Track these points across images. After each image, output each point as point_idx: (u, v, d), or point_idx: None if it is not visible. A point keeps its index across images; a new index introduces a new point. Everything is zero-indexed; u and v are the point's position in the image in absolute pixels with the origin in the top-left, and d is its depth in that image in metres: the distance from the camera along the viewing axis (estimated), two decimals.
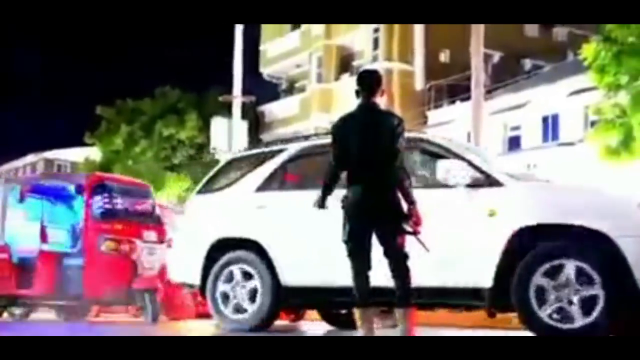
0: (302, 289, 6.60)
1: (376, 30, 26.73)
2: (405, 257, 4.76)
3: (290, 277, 6.57)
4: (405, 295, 4.72)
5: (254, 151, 7.48)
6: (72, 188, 10.14)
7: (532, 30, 28.13)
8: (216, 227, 7.01)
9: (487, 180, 5.91)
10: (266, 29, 31.97)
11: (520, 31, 27.34)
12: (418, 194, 4.87)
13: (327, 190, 5.03)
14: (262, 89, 30.76)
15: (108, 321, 11.78)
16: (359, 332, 4.77)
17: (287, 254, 6.58)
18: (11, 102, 67.53)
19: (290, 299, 6.74)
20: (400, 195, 4.75)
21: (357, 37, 27.40)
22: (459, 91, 23.35)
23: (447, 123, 22.85)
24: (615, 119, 12.40)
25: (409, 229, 4.73)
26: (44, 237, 10.17)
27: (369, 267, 4.81)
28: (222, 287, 6.85)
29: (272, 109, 31.78)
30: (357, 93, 4.96)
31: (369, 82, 4.95)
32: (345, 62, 29.20)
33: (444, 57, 26.92)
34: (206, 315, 12.11)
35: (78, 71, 71.85)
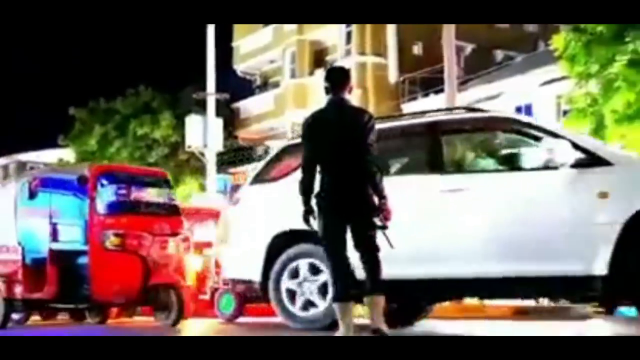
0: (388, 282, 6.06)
1: (348, 25, 26.76)
2: (377, 249, 4.88)
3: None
4: (375, 284, 4.85)
5: None
6: (71, 180, 9.37)
7: None
8: (278, 219, 6.42)
9: (594, 160, 5.45)
10: (238, 25, 31.83)
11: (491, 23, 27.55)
12: (515, 177, 4.87)
13: (308, 196, 4.97)
14: (236, 86, 30.63)
15: (120, 323, 11.64)
16: (339, 326, 4.82)
17: None
18: None
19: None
20: (371, 189, 4.82)
21: (330, 31, 27.39)
22: (432, 83, 23.48)
23: None
24: (587, 108, 12.53)
25: (379, 222, 4.83)
26: (54, 235, 9.60)
27: (346, 261, 4.87)
28: (287, 283, 6.35)
29: (247, 106, 31.68)
30: (327, 90, 5.04)
31: (337, 79, 5.05)
32: (318, 57, 29.19)
33: (416, 49, 27.03)
34: (203, 314, 12.17)
35: (49, 71, 70.93)
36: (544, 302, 10.33)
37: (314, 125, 4.99)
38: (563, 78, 14.37)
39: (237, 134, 31.04)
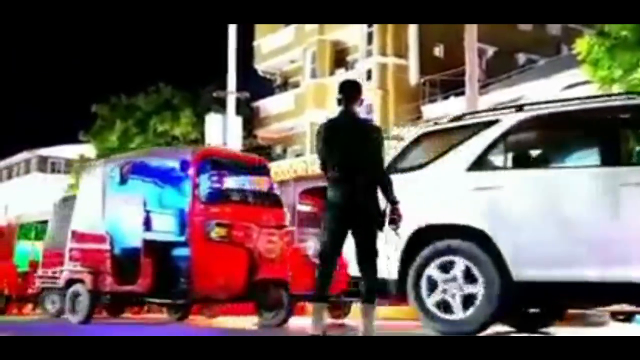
0: (540, 285, 5.34)
1: (370, 25, 26.72)
2: (376, 258, 5.10)
3: (525, 270, 5.31)
4: (370, 294, 5.09)
5: (450, 125, 6.19)
6: (176, 165, 8.59)
7: (525, 24, 28.16)
8: (417, 213, 5.71)
9: None
10: (260, 24, 31.89)
11: (514, 26, 27.35)
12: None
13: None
14: (256, 85, 30.72)
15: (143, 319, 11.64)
16: (311, 325, 5.07)
17: (521, 243, 5.34)
18: (6, 99, 67.27)
19: (525, 296, 5.49)
20: (384, 197, 5.09)
21: (351, 32, 27.36)
22: (453, 86, 23.36)
23: (442, 118, 22.83)
24: None
25: (393, 228, 5.08)
26: (147, 224, 8.81)
27: (335, 267, 5.15)
28: (428, 282, 5.65)
29: (267, 105, 31.73)
30: (339, 101, 5.26)
31: (350, 91, 5.29)
32: (339, 58, 29.17)
33: (438, 51, 26.92)
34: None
35: (73, 68, 71.62)
36: None
37: (328, 133, 5.20)
38: (586, 82, 14.23)
39: (257, 133, 31.11)
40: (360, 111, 5.34)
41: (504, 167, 5.69)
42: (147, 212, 8.90)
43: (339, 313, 10.98)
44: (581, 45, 12.44)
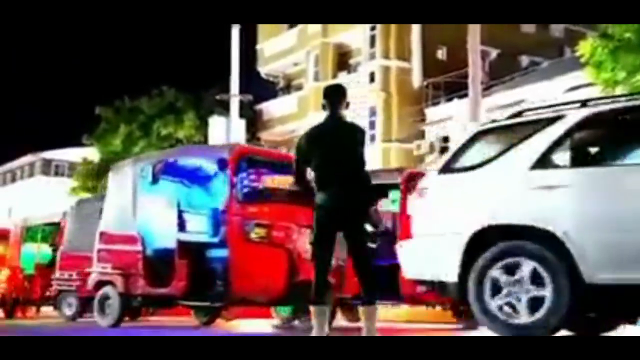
0: (614, 287, 5.10)
1: (373, 28, 26.73)
2: (370, 259, 5.13)
3: (598, 272, 5.05)
4: (371, 295, 5.10)
5: (509, 122, 5.94)
6: (212, 164, 8.34)
7: (528, 26, 28.14)
8: (478, 214, 5.49)
9: None
10: (263, 27, 31.94)
11: (517, 28, 27.35)
12: None
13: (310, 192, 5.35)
14: (259, 88, 30.75)
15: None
16: (313, 328, 5.08)
17: (593, 244, 5.08)
18: (9, 102, 67.42)
19: (597, 299, 5.20)
20: (365, 199, 5.15)
21: (354, 35, 27.38)
22: (456, 88, 23.36)
23: (445, 120, 22.86)
24: None
25: (371, 229, 5.12)
26: (182, 225, 8.54)
27: (329, 268, 5.18)
28: (491, 284, 5.37)
29: (270, 108, 31.75)
30: (324, 106, 5.33)
31: (334, 96, 5.33)
32: (342, 60, 29.19)
33: (441, 54, 26.92)
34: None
35: (75, 70, 71.74)
36: None
37: (311, 138, 5.28)
38: (589, 85, 14.22)
39: (260, 135, 31.13)
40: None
41: (570, 165, 5.41)
42: (181, 212, 8.66)
43: (354, 316, 10.92)
44: (584, 48, 12.44)
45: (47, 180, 44.05)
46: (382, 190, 9.28)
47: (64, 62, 70.61)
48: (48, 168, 46.70)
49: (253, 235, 7.70)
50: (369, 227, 5.11)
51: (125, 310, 8.88)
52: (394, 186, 9.37)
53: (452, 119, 22.42)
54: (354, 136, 5.21)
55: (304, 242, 7.58)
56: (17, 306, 14.05)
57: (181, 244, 8.33)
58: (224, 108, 21.90)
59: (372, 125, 26.00)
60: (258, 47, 32.66)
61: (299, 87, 31.15)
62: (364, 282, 5.11)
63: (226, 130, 20.28)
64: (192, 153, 9.95)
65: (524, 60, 28.07)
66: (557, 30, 28.71)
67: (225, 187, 7.98)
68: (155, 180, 8.75)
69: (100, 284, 8.96)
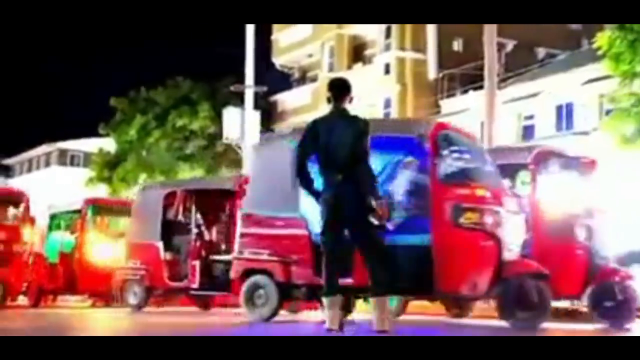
0: None
1: None
2: (378, 251, 5.15)
3: None
4: (379, 285, 5.11)
5: None
6: (405, 140, 7.36)
7: None
8: None
9: None
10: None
11: None
12: None
13: (311, 189, 5.33)
14: (274, 79, 30.77)
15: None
16: (326, 319, 5.11)
17: None
18: (26, 93, 67.95)
19: None
20: (368, 191, 5.12)
21: (369, 26, 27.29)
22: (472, 80, 23.24)
23: (460, 112, 22.76)
24: (631, 108, 12.29)
25: (376, 222, 5.07)
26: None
27: (340, 259, 5.24)
28: None
29: (284, 99, 31.78)
30: (328, 99, 5.35)
31: (339, 90, 5.36)
32: (357, 52, 29.14)
33: (457, 45, 26.79)
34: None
35: (92, 62, 72.13)
36: (565, 304, 10.15)
37: (315, 130, 5.29)
38: (606, 77, 14.09)
39: (274, 127, 31.17)
40: (350, 109, 5.39)
41: None
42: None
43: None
44: (602, 39, 12.30)
45: (64, 170, 44.36)
46: (509, 171, 8.24)
47: (80, 54, 71.02)
48: (64, 158, 47.03)
49: (463, 221, 6.72)
50: (374, 220, 5.09)
51: (283, 302, 7.85)
52: (522, 166, 8.38)
53: (468, 111, 22.29)
54: (358, 129, 5.22)
55: (510, 229, 6.90)
56: (43, 295, 14.04)
57: None
58: (239, 99, 21.91)
59: (387, 116, 25.94)
60: (273, 38, 32.67)
61: (314, 79, 31.12)
62: (371, 274, 5.13)
63: (241, 121, 20.30)
64: (377, 129, 8.77)
65: (541, 52, 27.87)
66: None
67: (419, 167, 7.11)
68: None
69: (248, 273, 7.89)
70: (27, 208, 12.45)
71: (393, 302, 8.94)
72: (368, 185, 5.15)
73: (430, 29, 26.47)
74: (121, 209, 15.21)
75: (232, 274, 8.20)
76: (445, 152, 6.95)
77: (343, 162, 5.14)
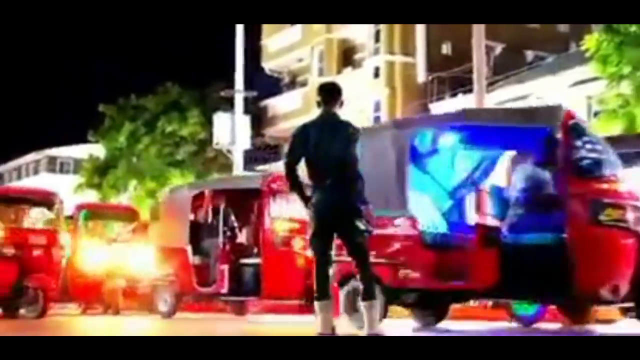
0: None
1: (377, 24, 26.70)
2: (367, 254, 5.19)
3: None
4: (368, 290, 5.15)
5: None
6: (523, 131, 6.64)
7: None
8: None
9: None
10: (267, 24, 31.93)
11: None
12: None
13: (302, 193, 5.30)
14: (264, 84, 30.73)
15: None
16: (317, 323, 5.13)
17: None
18: (14, 100, 67.59)
19: None
20: (357, 196, 5.12)
21: (359, 30, 27.33)
22: (461, 83, 23.30)
23: None
24: (619, 109, 12.38)
25: (362, 227, 5.11)
26: (481, 205, 7.07)
27: (330, 263, 5.24)
28: None
29: (275, 104, 31.74)
30: (318, 103, 5.33)
31: (328, 94, 5.34)
32: (347, 56, 29.16)
33: (445, 49, 26.86)
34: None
35: (80, 68, 71.88)
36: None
37: (304, 135, 5.27)
38: (594, 79, 14.18)
39: (265, 132, 31.12)
40: (340, 113, 5.37)
41: None
42: (479, 190, 7.20)
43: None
44: (590, 42, 12.39)
45: (53, 177, 44.15)
46: (629, 160, 7.42)
47: (68, 59, 70.79)
48: (53, 165, 46.80)
49: (603, 218, 6.06)
50: (361, 225, 5.12)
51: (388, 307, 7.09)
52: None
53: None
54: (347, 134, 5.21)
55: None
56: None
57: (480, 228, 6.75)
58: (229, 104, 21.89)
59: (376, 120, 25.97)
60: (262, 42, 32.64)
61: (304, 83, 31.12)
62: (361, 278, 5.18)
63: (231, 126, 20.28)
64: (500, 117, 7.48)
65: (529, 54, 27.97)
66: (562, 24, 28.60)
67: (540, 159, 6.57)
68: (433, 150, 7.10)
69: (348, 277, 7.00)
70: (60, 210, 11.62)
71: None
72: (357, 190, 5.16)
73: (419, 33, 26.54)
74: (114, 213, 15.13)
75: (332, 279, 7.26)
76: (578, 143, 6.26)
77: (332, 167, 5.14)
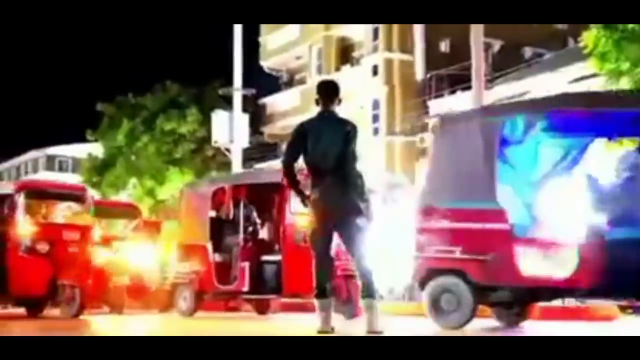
0: None
1: None
2: (366, 251, 5.20)
3: None
4: (368, 288, 5.17)
5: None
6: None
7: None
8: None
9: None
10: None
11: None
12: None
13: (299, 191, 5.36)
14: (263, 82, 30.76)
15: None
16: (317, 320, 5.19)
17: None
18: (12, 99, 67.57)
19: None
20: (356, 194, 5.17)
21: (357, 28, 27.34)
22: (459, 81, 23.31)
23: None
24: None
25: (362, 224, 5.15)
26: (577, 197, 6.56)
27: (330, 261, 5.31)
28: None
29: (273, 102, 31.75)
30: (317, 101, 5.39)
31: (327, 92, 5.40)
32: (345, 53, 29.16)
33: (444, 46, 26.87)
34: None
35: (78, 66, 71.85)
36: (570, 302, 10.19)
37: (303, 133, 5.31)
38: (593, 76, 14.18)
39: (263, 130, 31.13)
40: (338, 111, 5.44)
41: None
42: (572, 181, 6.73)
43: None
44: (588, 38, 12.37)
45: (52, 176, 44.16)
46: None
47: (66, 57, 70.73)
48: (52, 164, 46.82)
49: None
50: (361, 222, 5.14)
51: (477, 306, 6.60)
52: None
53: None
54: (346, 131, 5.22)
55: None
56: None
57: (581, 223, 6.26)
58: (227, 102, 21.87)
59: (375, 118, 26.00)
60: (261, 40, 32.63)
61: (302, 81, 31.12)
62: (360, 277, 5.19)
63: (229, 124, 20.25)
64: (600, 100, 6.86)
65: (528, 51, 27.99)
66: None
67: None
68: (524, 138, 6.65)
69: (432, 274, 6.66)
70: (91, 205, 11.19)
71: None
72: (356, 188, 5.18)
73: (418, 30, 26.54)
74: (117, 210, 15.08)
75: (415, 275, 6.89)
76: None
77: (331, 164, 5.15)
